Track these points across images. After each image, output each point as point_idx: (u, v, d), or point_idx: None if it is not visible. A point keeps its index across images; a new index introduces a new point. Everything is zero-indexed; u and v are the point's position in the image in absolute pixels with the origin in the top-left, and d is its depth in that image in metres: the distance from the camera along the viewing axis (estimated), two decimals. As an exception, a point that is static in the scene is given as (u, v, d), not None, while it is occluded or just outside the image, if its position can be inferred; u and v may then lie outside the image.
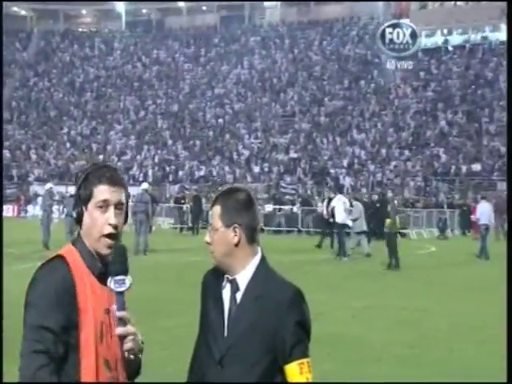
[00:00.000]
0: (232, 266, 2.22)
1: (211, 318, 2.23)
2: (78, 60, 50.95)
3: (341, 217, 16.18)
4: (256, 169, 36.99)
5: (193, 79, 47.03)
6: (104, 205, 2.12)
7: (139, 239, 17.34)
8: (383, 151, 36.41)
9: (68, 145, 42.18)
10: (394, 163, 35.27)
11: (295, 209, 26.86)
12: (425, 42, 44.08)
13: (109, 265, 2.09)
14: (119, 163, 39.75)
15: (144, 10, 56.90)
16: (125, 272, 2.09)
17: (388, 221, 14.74)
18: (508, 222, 12.02)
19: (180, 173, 37.68)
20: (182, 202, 26.82)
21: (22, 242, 17.53)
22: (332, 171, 35.02)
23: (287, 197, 30.82)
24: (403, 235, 24.10)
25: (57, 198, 27.10)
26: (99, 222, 2.11)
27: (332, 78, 43.94)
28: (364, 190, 31.90)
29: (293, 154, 37.45)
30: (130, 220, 18.37)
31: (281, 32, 50.55)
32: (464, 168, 33.42)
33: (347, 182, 33.70)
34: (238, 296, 2.21)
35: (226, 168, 37.30)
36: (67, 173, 38.27)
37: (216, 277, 2.28)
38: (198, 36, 51.94)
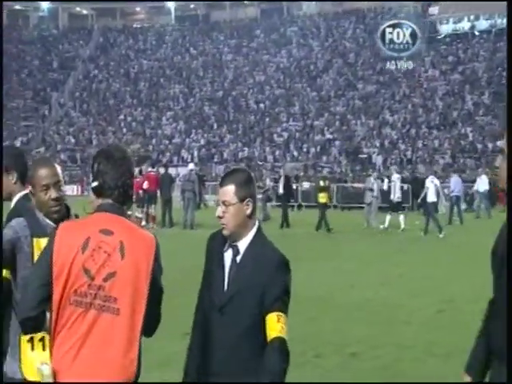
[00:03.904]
0: (241, 235, 2.41)
1: (214, 275, 2.42)
2: (133, 53, 51.18)
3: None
4: (294, 149, 36.68)
5: (236, 68, 46.74)
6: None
7: (187, 215, 17.17)
8: (413, 131, 35.61)
9: (124, 130, 42.62)
10: (423, 142, 34.48)
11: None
12: (453, 27, 42.68)
13: None
14: (170, 146, 40.02)
15: (191, 6, 56.69)
16: None
17: (321, 195, 16.17)
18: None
19: (225, 154, 37.68)
20: None
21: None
22: (365, 150, 34.44)
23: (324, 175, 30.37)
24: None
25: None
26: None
27: (365, 64, 43.06)
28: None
29: (328, 136, 36.98)
30: (178, 197, 18.38)
31: (317, 22, 49.64)
32: (490, 145, 32.41)
33: (379, 160, 33.10)
34: (238, 258, 2.41)
35: (267, 149, 37.11)
36: (124, 155, 38.67)
37: (219, 242, 2.46)
38: (241, 28, 51.48)
